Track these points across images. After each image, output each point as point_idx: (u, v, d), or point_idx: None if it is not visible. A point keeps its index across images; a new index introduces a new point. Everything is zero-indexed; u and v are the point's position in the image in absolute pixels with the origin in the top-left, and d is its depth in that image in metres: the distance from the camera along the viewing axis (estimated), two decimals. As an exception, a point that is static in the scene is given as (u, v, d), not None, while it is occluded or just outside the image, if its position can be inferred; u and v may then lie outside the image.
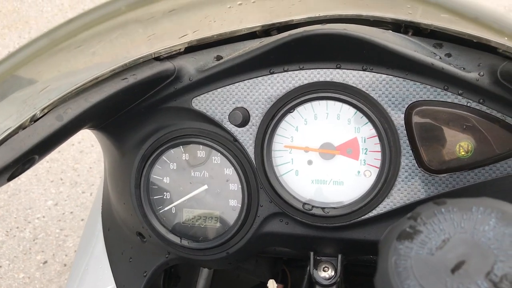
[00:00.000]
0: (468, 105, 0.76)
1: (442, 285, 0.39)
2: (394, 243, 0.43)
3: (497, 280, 0.37)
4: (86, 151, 3.54)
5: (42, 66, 0.51)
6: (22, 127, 0.64)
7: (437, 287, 0.39)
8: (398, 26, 0.87)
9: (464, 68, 0.75)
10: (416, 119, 0.78)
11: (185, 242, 0.92)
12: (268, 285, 0.76)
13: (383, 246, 0.44)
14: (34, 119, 0.65)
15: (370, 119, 0.80)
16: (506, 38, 0.69)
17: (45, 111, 0.66)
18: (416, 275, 0.40)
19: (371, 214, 0.82)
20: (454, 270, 0.39)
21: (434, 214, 0.44)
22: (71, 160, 3.49)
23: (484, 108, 0.75)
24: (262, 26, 0.91)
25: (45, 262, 2.97)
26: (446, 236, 0.42)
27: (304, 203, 0.85)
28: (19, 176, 2.91)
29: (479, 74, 0.73)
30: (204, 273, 1.29)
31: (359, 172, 0.84)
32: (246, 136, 0.86)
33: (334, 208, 0.84)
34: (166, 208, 0.93)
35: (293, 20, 0.91)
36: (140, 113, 0.89)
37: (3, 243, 3.08)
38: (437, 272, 0.40)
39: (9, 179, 0.66)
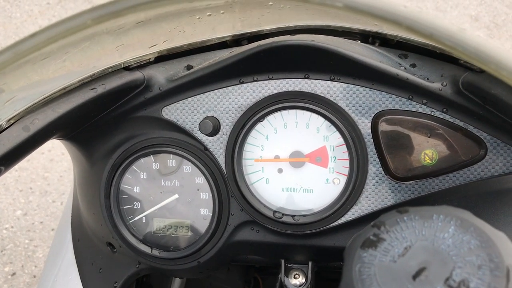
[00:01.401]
0: (432, 114, 0.78)
1: (404, 292, 0.40)
2: (358, 251, 0.44)
3: (455, 285, 0.39)
4: (57, 159, 3.48)
5: (6, 78, 0.51)
6: (-14, 138, 0.63)
7: (399, 293, 0.40)
8: (366, 37, 0.89)
9: (427, 79, 0.77)
10: (382, 127, 0.80)
11: (156, 252, 0.91)
12: None
13: (348, 254, 0.45)
14: (-1, 130, 0.64)
15: (338, 128, 0.82)
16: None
17: (11, 121, 0.65)
18: (379, 282, 0.41)
19: (340, 221, 0.83)
20: (415, 276, 0.41)
21: (397, 222, 0.45)
22: (41, 169, 3.43)
23: (447, 117, 0.78)
24: (233, 36, 0.92)
25: (14, 273, 2.91)
26: (408, 243, 0.43)
27: (275, 211, 0.85)
28: (-14, 186, 2.80)
29: (442, 84, 0.76)
30: (176, 282, 1.29)
31: (328, 179, 0.85)
32: (217, 145, 0.86)
33: (304, 215, 0.85)
34: (136, 218, 0.93)
35: (263, 30, 0.93)
36: (109, 122, 0.88)
37: (-30, 255, 3.00)
38: (399, 279, 0.41)
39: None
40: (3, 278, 2.87)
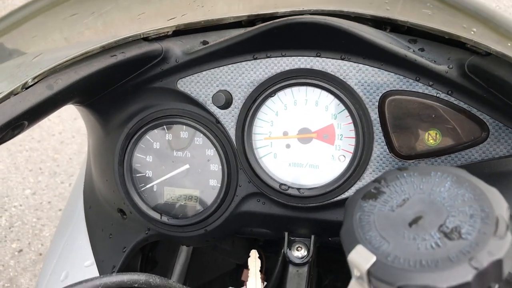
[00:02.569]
0: (437, 95, 0.81)
1: (400, 236, 0.43)
2: (359, 202, 0.47)
3: (448, 231, 0.42)
4: (67, 142, 3.53)
5: (36, 30, 0.54)
6: (13, 93, 0.67)
7: (396, 237, 0.43)
8: (378, 23, 0.92)
9: (435, 61, 0.80)
10: (389, 107, 0.83)
11: (165, 219, 0.95)
12: (250, 254, 0.80)
13: (349, 205, 0.48)
14: (25, 87, 0.68)
15: (346, 106, 0.85)
16: (474, 31, 0.75)
17: (36, 80, 0.69)
18: (377, 228, 0.44)
19: (343, 196, 0.86)
20: (411, 223, 0.44)
21: (397, 178, 0.48)
22: (51, 150, 3.48)
23: (452, 99, 0.80)
24: (248, 16, 0.95)
25: (20, 250, 2.96)
26: (406, 196, 0.46)
27: (281, 184, 0.89)
28: (-3, 162, 2.86)
29: (448, 67, 0.79)
30: (181, 258, 1.32)
31: (333, 156, 0.88)
32: (228, 118, 0.90)
33: (309, 189, 0.88)
34: (147, 186, 0.97)
35: (277, 12, 0.96)
36: (126, 92, 0.92)
37: (-22, 230, 3.06)
38: (396, 225, 0.44)
39: (-2, 143, 0.69)
40: (10, 254, 2.92)
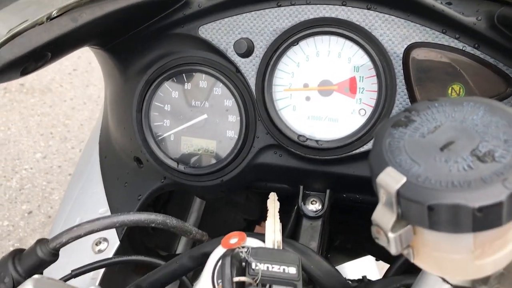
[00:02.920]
0: (463, 49, 0.80)
1: (431, 159, 0.42)
2: (389, 130, 0.47)
3: (481, 154, 0.41)
4: (78, 108, 3.54)
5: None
6: (38, 23, 0.66)
7: (427, 160, 0.42)
8: None
9: (463, 13, 0.79)
10: (413, 60, 0.82)
11: (181, 168, 0.95)
12: (269, 196, 0.80)
13: (379, 132, 0.47)
14: (50, 18, 0.67)
15: (371, 57, 0.84)
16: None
17: (61, 11, 0.68)
18: (408, 152, 0.44)
19: (362, 149, 0.86)
20: (443, 148, 0.43)
21: (428, 108, 0.48)
22: (62, 116, 3.49)
23: (478, 53, 0.79)
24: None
25: (30, 212, 3.00)
26: (438, 124, 0.46)
27: (299, 135, 0.88)
28: (9, 126, 2.94)
29: (476, 19, 0.77)
30: (193, 216, 1.33)
31: (354, 110, 0.87)
32: (249, 67, 0.89)
33: (327, 141, 0.87)
34: (165, 135, 0.96)
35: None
36: (147, 37, 0.91)
37: (-11, 191, 3.09)
38: (427, 149, 0.44)
39: (22, 74, 0.69)
40: (20, 215, 2.96)
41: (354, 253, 1.32)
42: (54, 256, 0.74)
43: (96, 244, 1.00)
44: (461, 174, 0.40)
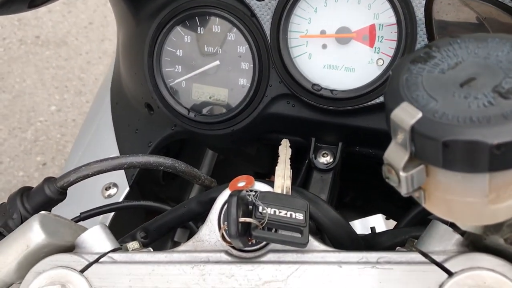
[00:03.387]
0: (491, -3, 0.76)
1: (450, 95, 0.40)
2: (407, 65, 0.44)
3: (503, 91, 0.39)
4: (93, 62, 3.52)
5: None
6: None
7: (445, 96, 0.40)
8: None
9: None
10: (436, 9, 0.78)
11: (192, 115, 0.93)
12: (281, 143, 0.78)
13: (396, 69, 0.45)
14: None
15: (392, 3, 0.80)
16: None
17: None
18: (425, 88, 0.42)
19: (377, 100, 0.83)
20: (463, 84, 0.41)
21: (450, 44, 0.45)
22: (77, 69, 3.49)
23: (507, 1, 0.75)
24: None
25: (44, 164, 3.03)
26: (459, 60, 0.43)
27: (314, 84, 0.86)
28: (25, 78, 2.94)
29: None
30: (203, 170, 1.33)
31: (371, 59, 0.85)
32: (264, 11, 0.86)
33: (342, 91, 0.85)
34: (176, 81, 0.94)
35: None
36: (160, -22, 0.88)
37: (5, 141, 3.13)
38: (446, 85, 0.41)
39: (30, 6, 0.67)
40: (35, 167, 3.00)
41: (364, 211, 1.31)
42: (61, 194, 0.74)
43: (106, 189, 1.00)
44: (481, 110, 0.38)
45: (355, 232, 0.71)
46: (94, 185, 1.00)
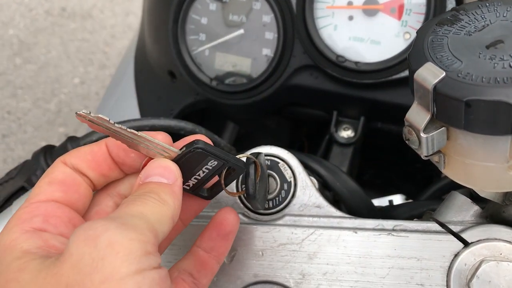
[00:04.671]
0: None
1: (475, 56, 0.40)
2: (433, 27, 0.44)
3: (531, 53, 0.38)
4: (118, 36, 3.54)
5: None
6: None
7: (470, 57, 0.40)
8: None
9: None
10: (467, -19, 0.77)
11: (214, 83, 0.93)
12: None
13: (421, 30, 0.44)
14: None
15: (421, -25, 0.79)
16: None
17: None
18: (450, 48, 0.41)
19: (402, 75, 0.82)
20: (489, 46, 0.40)
21: (478, 7, 0.44)
22: (102, 43, 3.51)
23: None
24: None
25: (67, 135, 3.07)
26: (487, 22, 0.43)
27: (338, 55, 0.85)
28: (50, 49, 2.96)
29: None
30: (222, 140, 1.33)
31: (398, 33, 0.83)
32: None
33: (367, 63, 0.84)
34: (200, 49, 0.95)
35: None
36: None
37: (30, 111, 3.18)
38: (472, 47, 0.41)
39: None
40: (57, 137, 3.05)
41: (383, 190, 1.29)
42: (84, 153, 0.75)
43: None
44: (506, 71, 0.38)
45: (372, 203, 0.71)
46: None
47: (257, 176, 0.54)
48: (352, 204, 0.69)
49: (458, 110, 0.38)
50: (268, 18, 0.90)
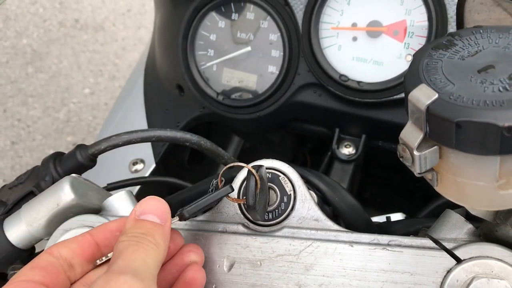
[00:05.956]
0: (523, -2, 0.76)
1: (467, 80, 0.42)
2: (429, 51, 0.46)
3: (520, 79, 0.40)
4: (129, 49, 3.60)
5: None
6: None
7: (462, 80, 0.42)
8: None
9: None
10: (468, 6, 0.79)
11: (220, 98, 0.96)
12: None
13: (417, 54, 0.47)
14: None
15: (425, 0, 0.81)
16: None
17: None
18: (444, 72, 0.43)
19: (403, 95, 0.84)
20: (481, 70, 0.42)
21: (472, 33, 0.47)
22: (112, 55, 3.56)
23: (538, 4, 0.76)
24: None
25: (75, 144, 3.11)
26: (480, 48, 0.45)
27: (341, 75, 0.88)
28: (62, 60, 3.00)
29: None
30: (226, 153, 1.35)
31: (401, 55, 0.86)
32: (298, 1, 0.88)
33: (369, 83, 0.87)
34: (208, 64, 0.98)
35: None
36: (199, -37, 0.91)
37: (39, 119, 3.23)
38: (464, 71, 0.43)
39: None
40: (65, 146, 3.08)
41: (383, 208, 1.31)
42: (92, 161, 0.78)
43: (133, 164, 1.04)
44: (495, 94, 0.40)
45: (370, 219, 0.72)
46: (123, 159, 1.04)
47: (256, 188, 0.56)
48: (350, 219, 0.70)
49: (449, 130, 0.40)
50: (275, 36, 0.93)
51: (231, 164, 0.61)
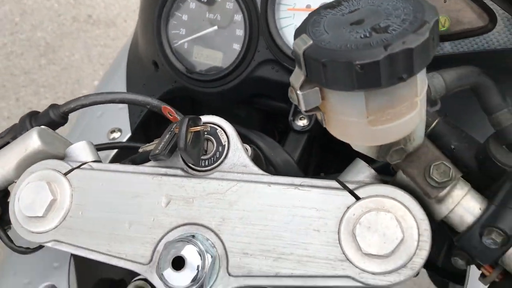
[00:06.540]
0: (453, -19, 0.84)
1: (340, 31, 0.50)
2: (319, 9, 0.55)
3: (378, 28, 0.49)
4: (138, 43, 3.72)
5: None
6: None
7: (335, 31, 0.50)
8: None
9: None
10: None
11: (189, 73, 1.06)
12: None
13: (311, 14, 0.55)
14: None
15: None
16: None
17: None
18: (324, 25, 0.52)
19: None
20: (352, 23, 0.51)
21: (357, -4, 0.55)
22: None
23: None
24: None
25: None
26: (358, 6, 0.53)
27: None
28: (73, 53, 3.11)
29: None
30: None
31: (348, 34, 0.94)
32: None
33: (318, 59, 0.95)
34: (180, 42, 1.07)
35: None
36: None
37: (49, 108, 3.35)
38: (340, 24, 0.51)
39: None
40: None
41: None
42: (63, 119, 0.88)
43: (111, 132, 1.14)
44: (356, 40, 0.48)
45: (302, 174, 0.81)
46: (101, 128, 1.14)
47: (187, 132, 0.66)
48: (282, 172, 0.79)
49: (319, 70, 0.49)
50: (239, 17, 1.02)
51: (182, 118, 0.69)
